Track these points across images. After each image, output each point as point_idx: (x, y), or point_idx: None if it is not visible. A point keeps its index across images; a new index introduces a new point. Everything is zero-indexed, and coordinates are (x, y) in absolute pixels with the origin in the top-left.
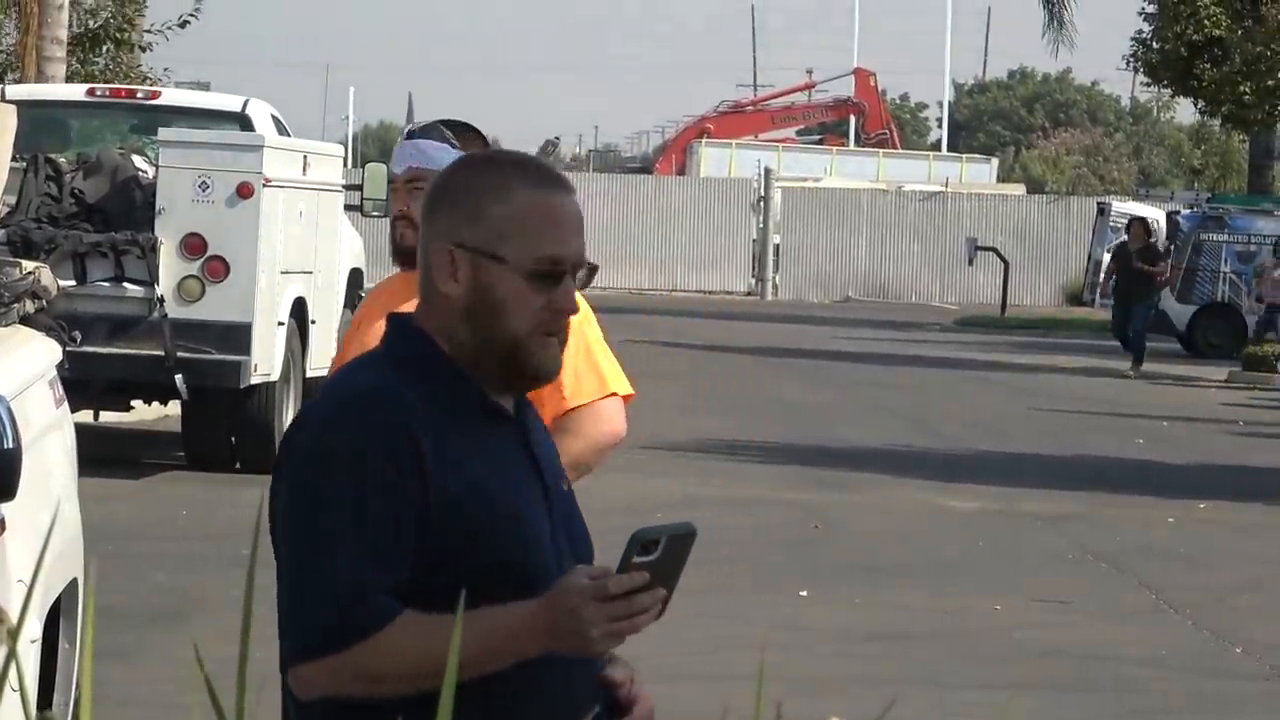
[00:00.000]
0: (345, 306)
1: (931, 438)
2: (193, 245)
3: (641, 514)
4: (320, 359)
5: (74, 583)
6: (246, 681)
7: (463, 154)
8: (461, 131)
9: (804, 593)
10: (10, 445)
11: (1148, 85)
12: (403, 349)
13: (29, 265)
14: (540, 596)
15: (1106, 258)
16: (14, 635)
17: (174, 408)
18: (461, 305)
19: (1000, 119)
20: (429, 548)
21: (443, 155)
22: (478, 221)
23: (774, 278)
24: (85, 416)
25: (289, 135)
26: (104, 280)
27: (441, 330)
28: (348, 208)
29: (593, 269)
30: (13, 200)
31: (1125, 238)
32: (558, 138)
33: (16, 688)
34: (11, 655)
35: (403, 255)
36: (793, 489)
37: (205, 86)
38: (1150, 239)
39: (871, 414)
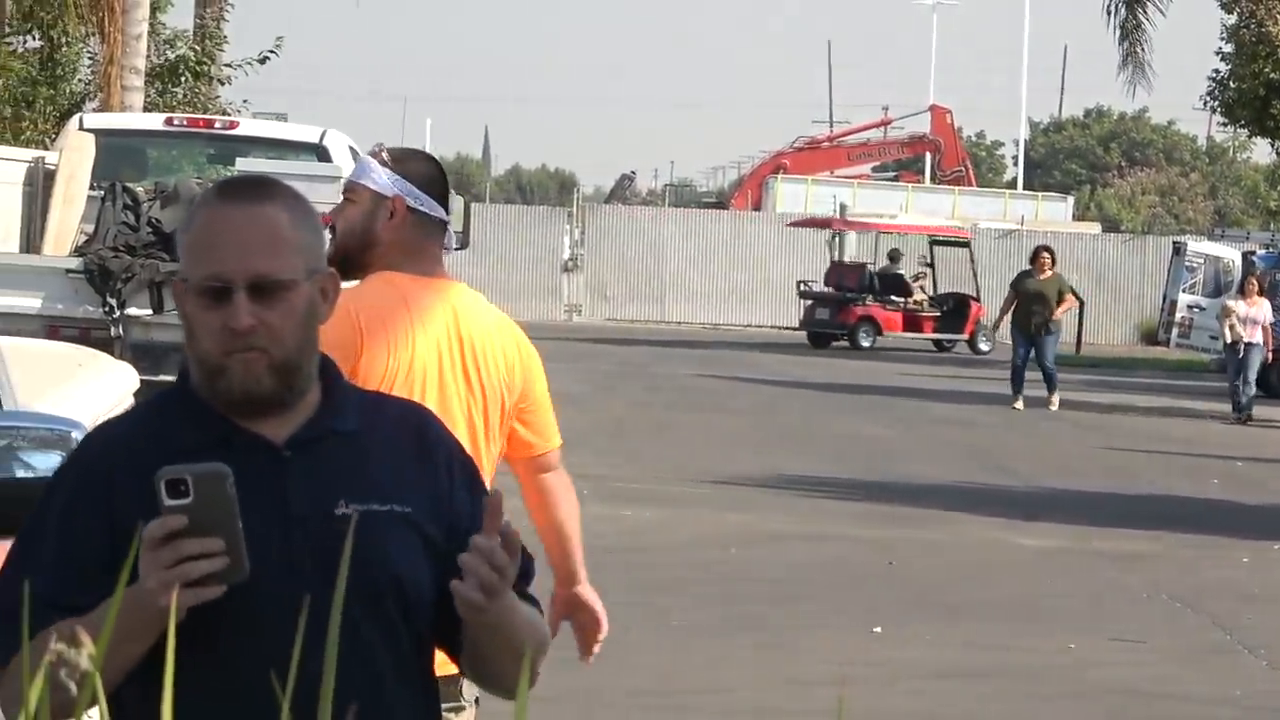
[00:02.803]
0: None
1: (1004, 475)
2: None
3: (716, 548)
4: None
5: None
6: None
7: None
8: (405, 156)
9: (878, 629)
10: None
11: (1224, 125)
12: (170, 387)
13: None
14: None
15: (1182, 297)
16: (97, 664)
17: None
18: (185, 333)
19: (1076, 157)
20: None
21: (370, 173)
22: (180, 250)
23: None
24: None
25: None
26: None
27: (190, 364)
28: None
29: (330, 278)
30: (90, 229)
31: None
32: (634, 172)
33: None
34: (89, 683)
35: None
36: (866, 525)
37: (283, 117)
38: None
39: (945, 450)
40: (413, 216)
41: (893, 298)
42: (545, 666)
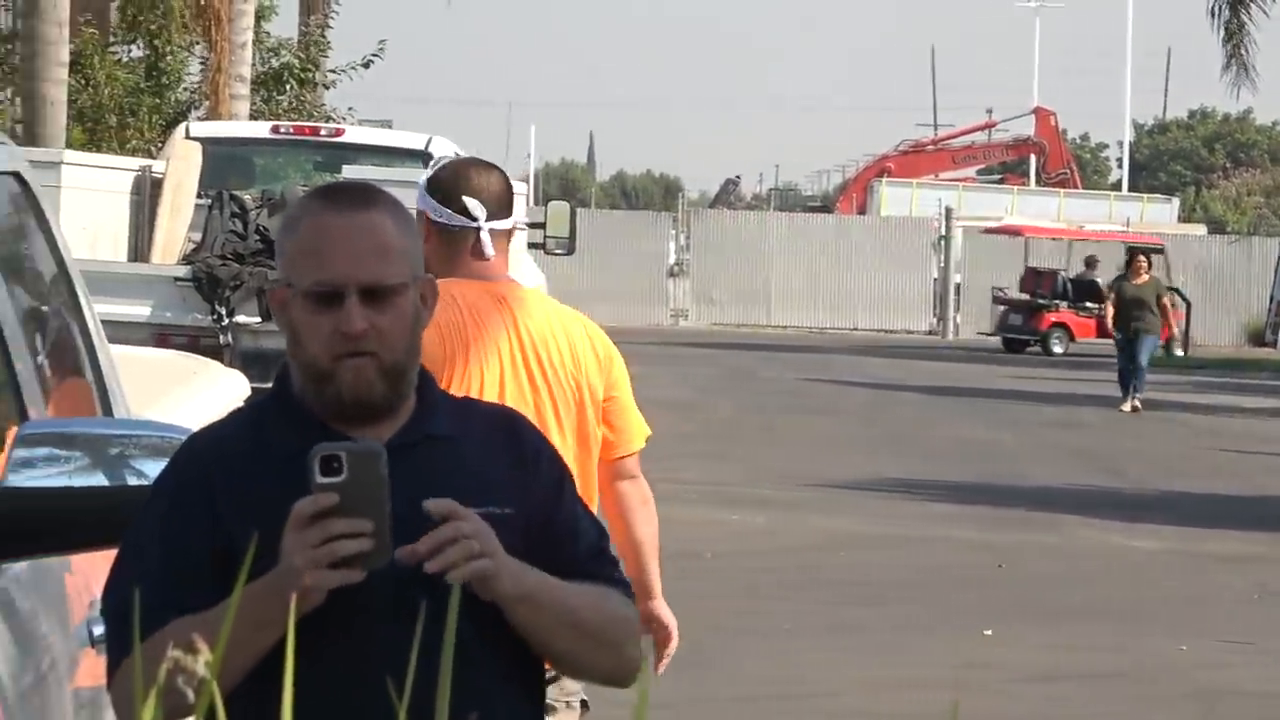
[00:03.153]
0: None
1: (1113, 477)
2: None
3: (825, 550)
4: None
5: None
6: None
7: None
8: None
9: (988, 632)
10: None
11: None
12: (268, 391)
13: None
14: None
15: None
16: (214, 670)
17: None
18: (287, 344)
19: (1180, 159)
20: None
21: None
22: (280, 256)
23: (955, 317)
24: None
25: None
26: None
27: (293, 370)
28: (530, 245)
29: (429, 284)
30: (198, 237)
31: None
32: (738, 176)
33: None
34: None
35: None
36: (975, 528)
37: (388, 124)
38: None
39: (1053, 453)
40: (442, 230)
41: (1087, 304)
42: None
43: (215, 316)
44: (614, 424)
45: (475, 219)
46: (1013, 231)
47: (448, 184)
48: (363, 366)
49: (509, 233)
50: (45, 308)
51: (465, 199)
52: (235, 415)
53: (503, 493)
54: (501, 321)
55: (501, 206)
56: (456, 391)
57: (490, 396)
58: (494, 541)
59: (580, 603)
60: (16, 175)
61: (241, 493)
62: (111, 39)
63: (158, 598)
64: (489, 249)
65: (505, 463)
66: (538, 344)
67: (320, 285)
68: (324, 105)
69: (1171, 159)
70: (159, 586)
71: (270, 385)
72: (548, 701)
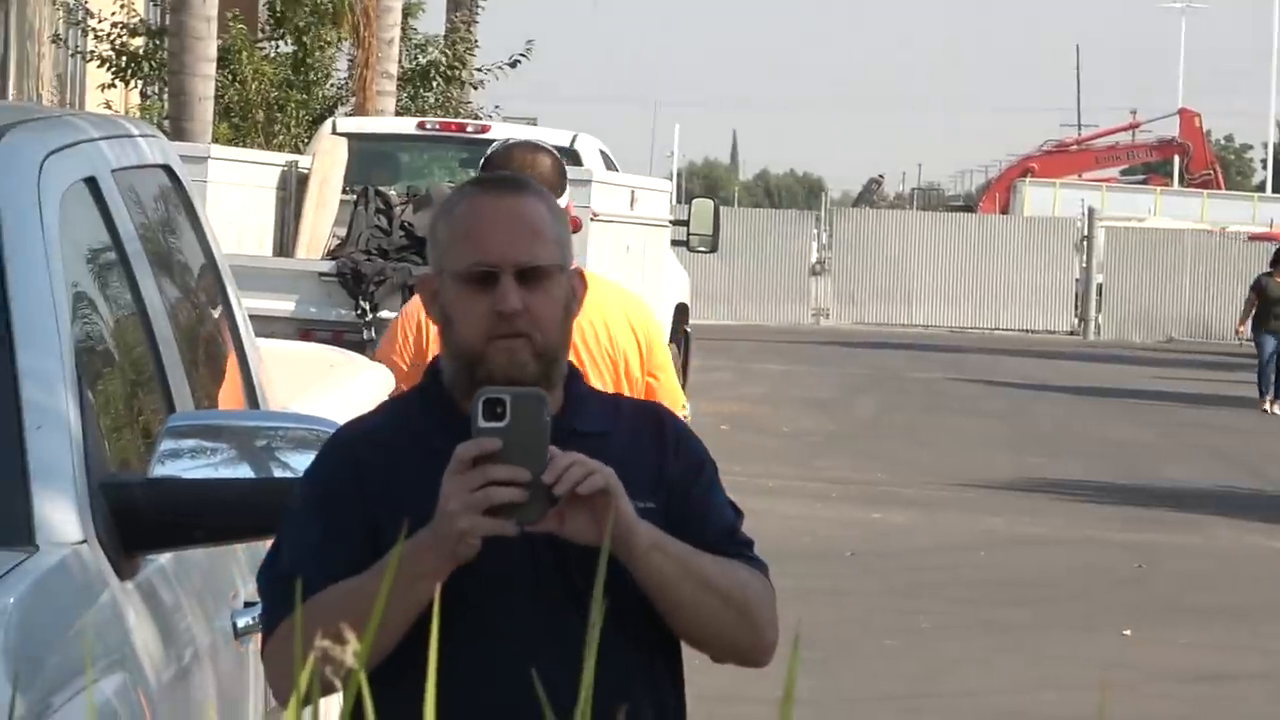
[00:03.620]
0: (671, 341)
1: (1256, 479)
2: None
3: (966, 550)
4: None
5: None
6: None
7: None
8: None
9: (1128, 632)
10: None
11: None
12: (417, 385)
13: None
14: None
15: None
16: (362, 660)
17: None
18: (437, 328)
19: None
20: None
21: None
22: (433, 245)
23: (1097, 317)
24: None
25: (616, 170)
26: None
27: (443, 361)
28: (674, 242)
29: (579, 275)
30: (343, 232)
31: None
32: (881, 175)
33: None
34: (354, 680)
35: None
36: (1116, 528)
37: (533, 122)
38: None
39: (1195, 454)
40: None
41: None
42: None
43: (359, 311)
44: (656, 387)
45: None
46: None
47: (496, 162)
48: (516, 348)
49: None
50: (193, 301)
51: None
52: (383, 408)
53: (647, 487)
54: None
55: (547, 188)
56: None
57: None
58: (621, 487)
59: (710, 563)
60: (167, 169)
61: (389, 483)
62: (259, 35)
63: (313, 569)
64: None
65: (650, 456)
66: (599, 322)
67: (476, 265)
68: (470, 103)
69: None
70: (314, 560)
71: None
72: None
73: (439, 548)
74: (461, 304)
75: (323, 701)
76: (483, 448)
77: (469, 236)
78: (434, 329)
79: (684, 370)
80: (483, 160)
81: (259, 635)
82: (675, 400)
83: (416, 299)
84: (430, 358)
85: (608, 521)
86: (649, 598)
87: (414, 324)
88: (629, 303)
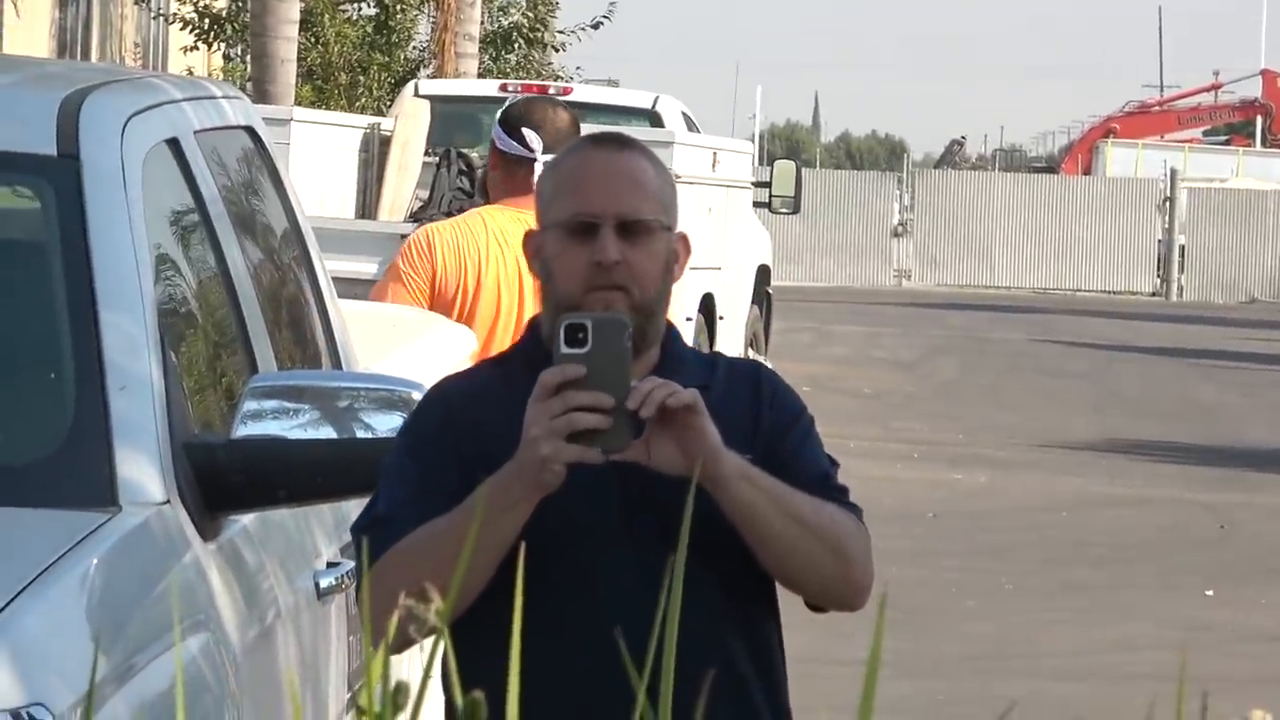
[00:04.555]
0: (753, 303)
1: None
2: None
3: (1049, 511)
4: (728, 351)
5: None
6: None
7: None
8: (511, 105)
9: (1209, 592)
10: None
11: None
12: (516, 342)
13: None
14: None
15: None
16: (445, 617)
17: None
18: (540, 286)
19: None
20: None
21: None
22: (539, 200)
23: (1179, 278)
24: None
25: (698, 132)
26: None
27: (542, 317)
28: (755, 204)
29: (683, 240)
30: (425, 194)
31: None
32: (964, 137)
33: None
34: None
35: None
36: (1198, 489)
37: (614, 84)
38: None
39: (1278, 415)
40: (503, 158)
41: None
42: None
43: None
44: None
45: (532, 150)
46: None
47: (515, 116)
48: (614, 300)
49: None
50: (276, 262)
51: (525, 130)
52: (483, 364)
53: (743, 440)
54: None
55: (564, 141)
56: (472, 303)
57: (505, 309)
58: (705, 410)
59: (802, 498)
60: (250, 130)
61: (483, 435)
62: None
63: (407, 513)
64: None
65: (746, 410)
66: None
67: (578, 216)
68: (551, 64)
69: None
70: (408, 505)
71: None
72: None
73: (524, 477)
74: (562, 256)
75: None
76: (565, 373)
77: (573, 189)
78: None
79: (766, 331)
80: (499, 114)
81: (340, 595)
82: None
83: (416, 234)
84: (445, 281)
85: (693, 444)
86: (739, 531)
87: (416, 252)
88: None
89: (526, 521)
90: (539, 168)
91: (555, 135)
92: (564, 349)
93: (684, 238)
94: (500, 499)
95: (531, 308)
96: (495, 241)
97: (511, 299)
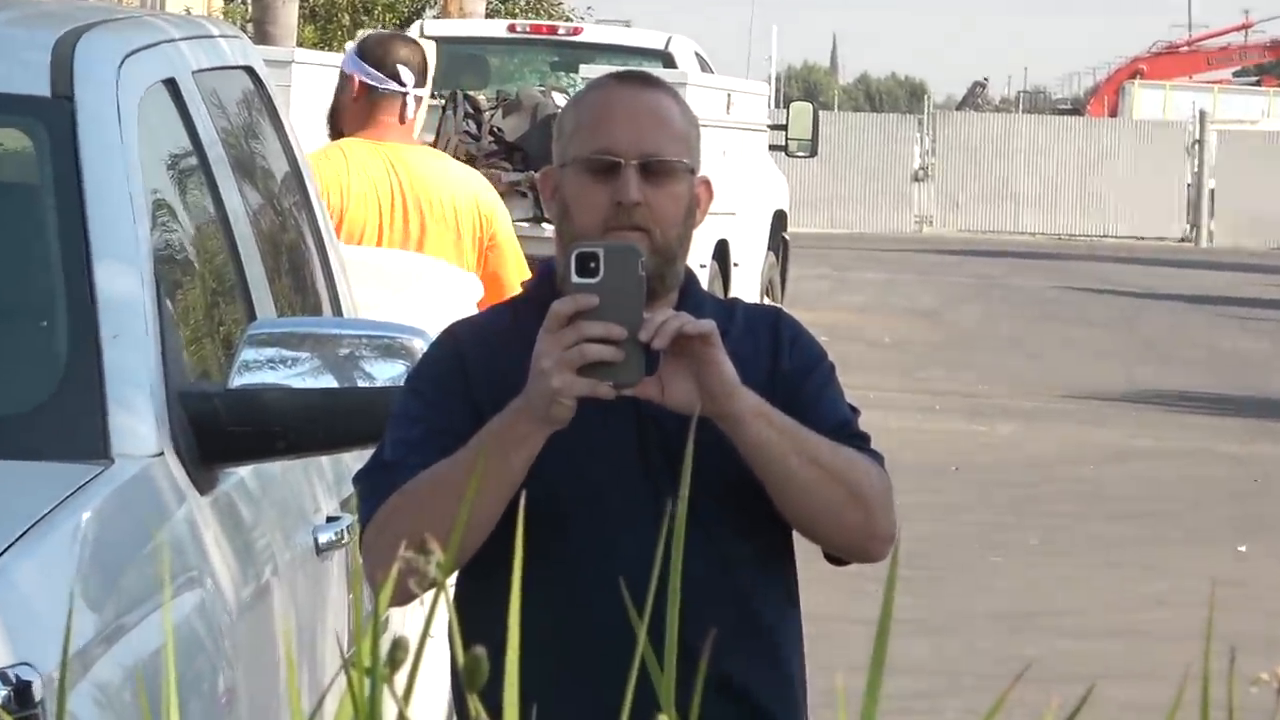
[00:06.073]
0: (769, 249)
1: None
2: None
3: (1075, 463)
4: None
5: None
6: None
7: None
8: (372, 39)
9: (1242, 548)
10: None
11: None
12: (529, 285)
13: None
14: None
15: None
16: (445, 570)
17: None
18: (555, 224)
19: None
20: None
21: (347, 57)
22: (559, 136)
23: (1209, 223)
24: None
25: (712, 73)
26: (523, 220)
27: (557, 259)
28: (771, 148)
29: (705, 184)
30: (430, 138)
31: None
32: (986, 79)
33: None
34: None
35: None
36: (1230, 441)
37: (627, 24)
38: None
39: None
40: (367, 91)
41: None
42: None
43: None
44: (495, 259)
45: (404, 85)
46: None
47: (381, 51)
48: (632, 241)
49: (418, 102)
50: (276, 207)
51: (399, 66)
52: (496, 307)
53: (761, 385)
54: (386, 175)
55: (421, 76)
56: (342, 233)
57: (371, 239)
58: (720, 342)
59: (820, 440)
60: (250, 71)
61: (493, 377)
62: None
63: (415, 457)
64: (411, 111)
65: (764, 355)
66: (420, 193)
67: (600, 153)
68: (561, 4)
69: None
70: (416, 449)
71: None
72: None
73: (532, 410)
74: (581, 194)
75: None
76: (577, 303)
77: (595, 125)
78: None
79: (782, 279)
80: (354, 45)
81: (341, 551)
82: (520, 269)
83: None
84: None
85: (708, 379)
86: (755, 472)
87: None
88: (475, 184)
89: (534, 460)
90: (412, 101)
91: (417, 70)
92: (575, 278)
93: (706, 182)
94: (508, 435)
95: (400, 245)
96: (359, 176)
97: (373, 238)
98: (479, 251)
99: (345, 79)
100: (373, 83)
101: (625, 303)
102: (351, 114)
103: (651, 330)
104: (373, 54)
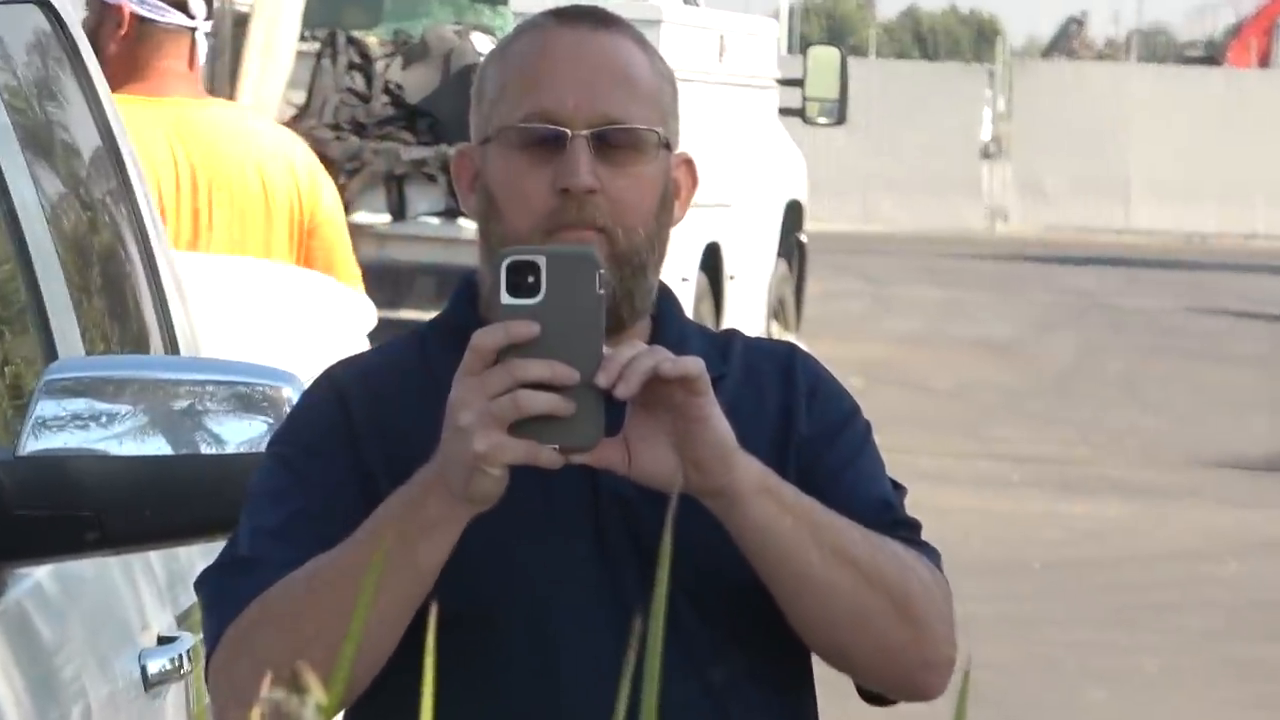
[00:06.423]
0: (779, 256)
1: None
2: None
3: (1209, 559)
4: (743, 325)
5: None
6: None
7: None
8: None
9: None
10: None
11: None
12: (439, 314)
13: None
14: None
15: None
16: (328, 712)
17: None
18: (478, 223)
19: None
20: None
21: None
22: (478, 101)
23: None
24: None
25: (698, 6)
26: (431, 215)
27: (480, 270)
28: (783, 111)
29: (686, 164)
30: (301, 98)
31: None
32: (1084, 14)
33: None
34: None
35: None
36: None
37: None
38: None
39: None
40: (142, 27)
41: None
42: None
43: None
44: (319, 255)
45: (192, 16)
46: None
47: None
48: (588, 244)
49: (203, 38)
50: (84, 198)
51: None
52: (391, 343)
53: (768, 448)
54: (167, 144)
55: (205, 6)
56: None
57: None
58: (710, 389)
59: (850, 527)
60: (45, 4)
61: (391, 432)
62: None
63: (279, 550)
64: (202, 55)
65: (772, 411)
66: (213, 166)
67: (534, 119)
68: None
69: None
70: (281, 541)
71: (399, 313)
72: None
73: (447, 484)
74: (511, 179)
75: None
76: (510, 334)
77: (528, 83)
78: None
79: (798, 297)
80: None
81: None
82: (349, 266)
83: None
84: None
85: (692, 440)
86: (758, 571)
87: None
88: (291, 148)
89: (450, 553)
90: (201, 40)
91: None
92: (507, 298)
93: (688, 160)
94: (413, 518)
95: (189, 240)
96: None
97: None
98: (296, 242)
99: (106, 8)
100: (147, 13)
101: (577, 333)
102: (118, 59)
103: (614, 372)
104: None
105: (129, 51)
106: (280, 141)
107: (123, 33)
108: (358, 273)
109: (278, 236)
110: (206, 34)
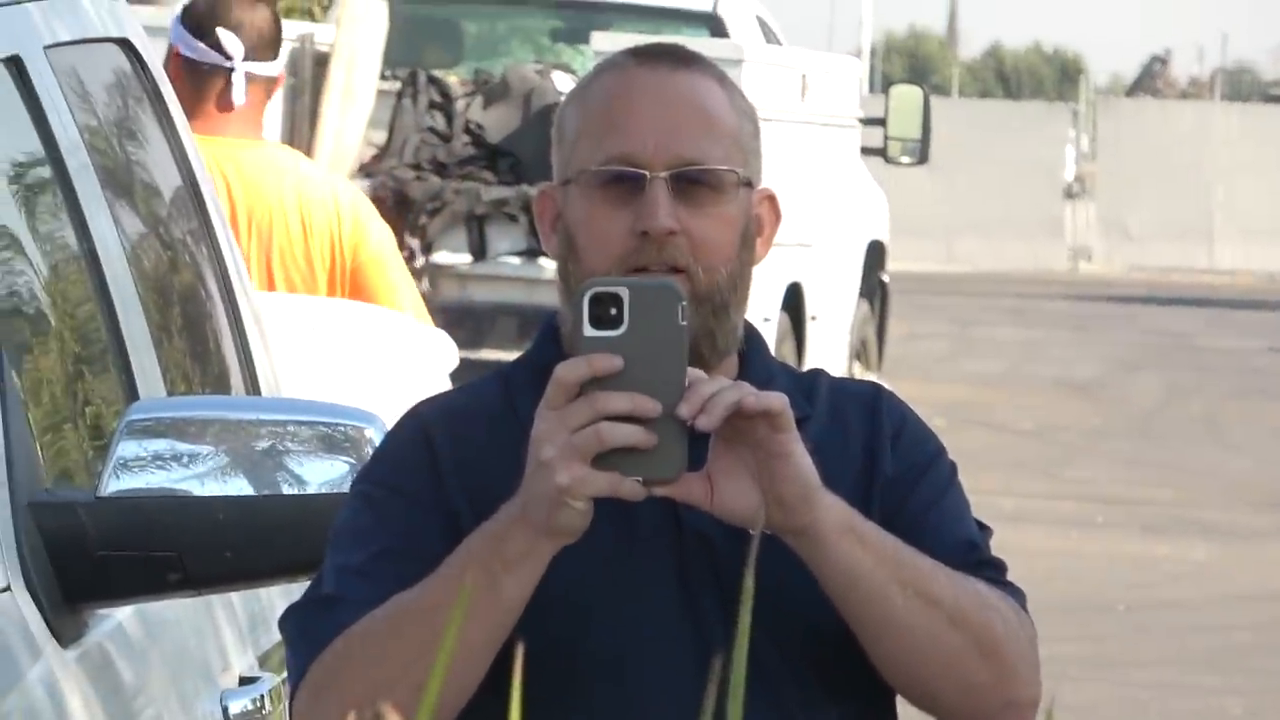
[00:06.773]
0: (861, 296)
1: None
2: None
3: None
4: (826, 365)
5: None
6: None
7: None
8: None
9: None
10: None
11: None
12: (527, 351)
13: None
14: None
15: None
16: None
17: None
18: (558, 263)
19: None
20: None
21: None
22: (558, 143)
23: None
24: None
25: (780, 45)
26: (512, 255)
27: (562, 313)
28: (865, 151)
29: (769, 202)
30: (382, 138)
31: None
32: (1168, 52)
33: None
34: None
35: None
36: None
37: None
38: None
39: None
40: (189, 67)
41: None
42: None
43: (406, 252)
44: (365, 285)
45: (229, 56)
46: None
47: (202, 13)
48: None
49: (271, 83)
50: (164, 238)
51: (220, 31)
52: (476, 383)
53: (853, 489)
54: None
55: (265, 48)
56: None
57: None
58: (794, 425)
59: (935, 568)
60: (126, 45)
61: (478, 476)
62: None
63: (363, 589)
64: (240, 95)
65: (856, 451)
66: (253, 206)
67: (615, 162)
68: None
69: None
70: (365, 579)
71: (480, 353)
72: None
73: (531, 519)
74: (591, 221)
75: None
76: (593, 366)
77: (607, 124)
78: None
79: (880, 338)
80: (181, 9)
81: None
82: (389, 297)
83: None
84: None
85: (776, 476)
86: (842, 611)
87: None
88: (338, 192)
89: (537, 587)
90: (238, 80)
91: (258, 39)
92: (590, 330)
93: (771, 197)
94: (497, 554)
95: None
96: None
97: None
98: (335, 284)
99: (168, 52)
100: (189, 54)
101: (659, 365)
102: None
103: (697, 404)
104: (193, 14)
105: (181, 91)
106: (325, 184)
107: (174, 74)
108: (415, 314)
109: (317, 277)
110: (258, 74)
